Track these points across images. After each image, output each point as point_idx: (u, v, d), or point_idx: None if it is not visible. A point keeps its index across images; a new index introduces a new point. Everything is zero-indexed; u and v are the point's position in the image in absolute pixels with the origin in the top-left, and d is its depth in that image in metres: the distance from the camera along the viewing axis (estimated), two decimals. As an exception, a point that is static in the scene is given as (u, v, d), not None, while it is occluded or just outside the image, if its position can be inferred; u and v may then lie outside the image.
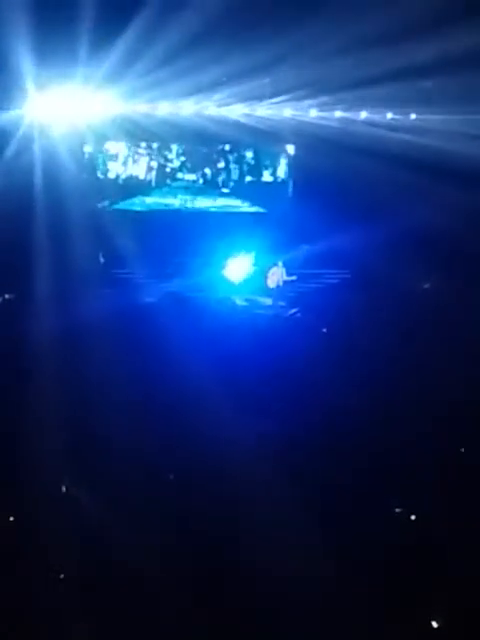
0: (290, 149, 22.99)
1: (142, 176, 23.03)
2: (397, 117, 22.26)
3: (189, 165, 23.23)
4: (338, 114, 22.31)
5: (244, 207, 23.06)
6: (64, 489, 12.00)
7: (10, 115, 20.25)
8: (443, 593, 10.02)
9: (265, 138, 22.59)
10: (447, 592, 10.01)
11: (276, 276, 20.90)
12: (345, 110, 22.17)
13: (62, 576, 10.34)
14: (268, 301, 20.65)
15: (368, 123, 22.21)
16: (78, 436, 12.79)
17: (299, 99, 21.64)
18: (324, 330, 17.70)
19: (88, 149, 22.41)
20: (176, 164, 23.14)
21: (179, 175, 23.21)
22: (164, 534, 10.84)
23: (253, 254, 21.00)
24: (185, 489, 11.82)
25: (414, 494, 11.65)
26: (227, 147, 23.15)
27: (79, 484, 11.95)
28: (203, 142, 22.78)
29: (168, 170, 23.15)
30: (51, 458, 12.26)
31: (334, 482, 11.83)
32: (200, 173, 23.23)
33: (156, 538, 10.75)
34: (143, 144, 22.99)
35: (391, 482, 11.89)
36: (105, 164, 22.79)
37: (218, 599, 9.86)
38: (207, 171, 23.24)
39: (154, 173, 23.06)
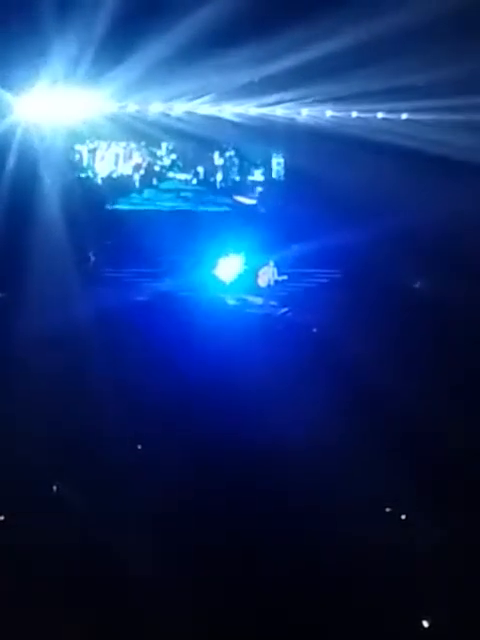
0: (281, 148, 22.98)
1: (133, 175, 23.00)
2: (389, 116, 22.26)
3: (180, 164, 23.19)
4: (329, 113, 22.31)
5: (235, 206, 23.03)
6: (55, 488, 11.99)
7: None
8: (442, 593, 10.02)
9: (256, 137, 22.57)
10: (446, 592, 10.00)
11: (267, 275, 20.90)
12: (336, 109, 22.17)
13: (55, 575, 10.32)
14: (259, 300, 20.63)
15: (360, 122, 22.21)
16: (70, 436, 12.78)
17: (290, 98, 21.61)
18: (314, 330, 17.71)
19: (79, 148, 22.37)
20: (167, 163, 23.12)
21: (170, 174, 23.17)
22: (160, 533, 10.83)
23: (244, 253, 20.99)
24: (179, 487, 11.80)
25: (410, 493, 11.65)
26: (218, 146, 23.12)
27: (70, 483, 11.93)
28: (194, 141, 22.74)
29: (159, 169, 23.12)
30: (42, 457, 12.24)
31: (327, 480, 11.83)
32: (191, 172, 23.19)
33: (151, 537, 10.75)
34: (134, 143, 22.95)
35: (385, 480, 11.88)
36: (96, 163, 22.75)
37: (216, 599, 9.84)
38: (198, 170, 23.20)
39: (145, 172, 23.03)
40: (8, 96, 20.00)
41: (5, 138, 20.01)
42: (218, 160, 23.16)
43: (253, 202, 22.94)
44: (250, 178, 23.28)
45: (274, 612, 9.66)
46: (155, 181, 23.07)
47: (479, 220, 19.03)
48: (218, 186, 23.14)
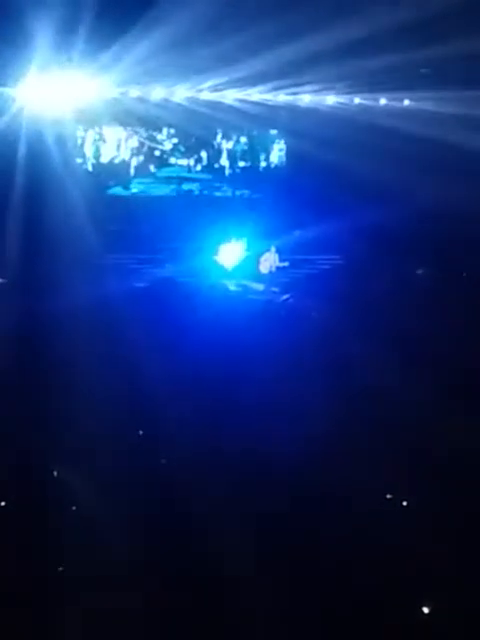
0: (283, 134, 22.96)
1: (135, 161, 22.98)
2: (391, 103, 22.23)
3: (182, 150, 23.19)
4: (332, 99, 22.28)
5: (237, 192, 23.02)
6: (55, 474, 11.99)
7: (1, 99, 20.18)
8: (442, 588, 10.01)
9: (258, 123, 22.55)
10: (445, 586, 10.00)
11: (269, 262, 20.89)
12: (339, 95, 22.14)
13: (54, 564, 10.32)
14: (260, 287, 20.63)
15: (362, 109, 22.19)
16: (70, 421, 12.77)
17: (293, 84, 21.58)
18: (315, 316, 17.68)
19: (81, 134, 22.35)
20: (169, 149, 23.10)
21: (172, 160, 23.17)
22: (157, 522, 10.84)
23: (246, 240, 20.98)
24: (179, 476, 11.80)
25: (411, 483, 11.64)
26: (220, 132, 23.10)
27: (70, 470, 11.94)
28: (196, 127, 22.71)
29: (161, 155, 23.11)
30: (42, 443, 12.26)
31: (330, 469, 11.84)
32: (193, 158, 23.20)
33: (149, 525, 10.76)
34: (136, 129, 22.93)
35: (387, 471, 11.87)
36: (98, 149, 22.73)
37: (216, 598, 9.83)
38: (200, 156, 23.20)
39: (147, 158, 23.01)
40: (8, 83, 20.00)
41: (5, 125, 19.99)
42: (220, 146, 23.14)
43: (255, 188, 22.92)
44: (252, 164, 23.28)
45: (272, 609, 9.65)
46: (157, 167, 23.09)
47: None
48: (220, 172, 23.13)
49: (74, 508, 11.07)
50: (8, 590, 9.70)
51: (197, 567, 10.16)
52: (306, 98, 22.13)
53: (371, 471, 11.71)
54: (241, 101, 21.94)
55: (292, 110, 22.15)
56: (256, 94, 21.92)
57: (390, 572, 10.10)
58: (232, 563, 10.07)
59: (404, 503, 11.53)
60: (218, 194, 22.96)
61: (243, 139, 23.27)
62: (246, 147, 23.31)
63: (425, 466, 11.87)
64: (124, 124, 22.63)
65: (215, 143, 23.18)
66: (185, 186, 22.94)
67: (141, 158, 23.00)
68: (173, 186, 22.94)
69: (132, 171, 22.95)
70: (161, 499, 11.30)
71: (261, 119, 22.17)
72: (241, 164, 23.24)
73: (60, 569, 10.10)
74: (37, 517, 10.83)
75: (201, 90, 21.68)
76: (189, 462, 11.99)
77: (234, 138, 23.23)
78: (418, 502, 11.40)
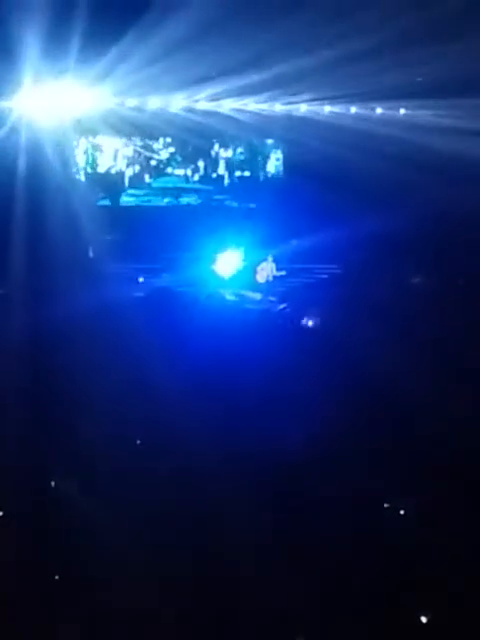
0: (280, 144, 22.98)
1: (132, 171, 23.00)
2: (387, 112, 22.26)
3: (179, 160, 23.21)
4: (328, 109, 22.31)
5: (234, 202, 23.03)
6: (53, 483, 11.98)
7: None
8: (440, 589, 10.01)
9: (255, 133, 22.58)
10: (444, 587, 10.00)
11: (266, 271, 20.91)
12: (335, 105, 22.17)
13: (52, 570, 10.31)
14: (258, 296, 20.63)
15: (358, 118, 22.21)
16: (68, 430, 12.77)
17: (289, 94, 21.61)
18: (313, 325, 17.69)
19: (77, 144, 22.36)
20: (166, 158, 23.12)
21: (169, 170, 23.19)
22: (157, 531, 10.83)
23: (243, 249, 20.99)
24: (177, 484, 11.80)
25: (410, 489, 11.64)
26: (217, 142, 23.12)
27: (70, 479, 11.93)
28: (193, 136, 22.74)
29: (158, 165, 23.13)
30: (41, 450, 12.25)
31: (327, 476, 11.83)
32: (190, 168, 23.21)
33: (149, 534, 10.75)
34: (133, 139, 22.95)
35: (386, 476, 11.87)
36: (95, 159, 22.75)
37: (212, 595, 9.82)
38: (197, 166, 23.21)
39: (144, 168, 23.03)
40: (10, 92, 20.01)
41: (1, 135, 20.00)
42: (217, 155, 23.17)
43: (252, 198, 22.93)
44: (249, 173, 23.30)
45: (271, 607, 9.64)
46: (154, 177, 23.10)
47: (478, 215, 19.03)
48: (217, 181, 23.15)
49: (75, 514, 11.06)
50: (8, 597, 9.70)
51: (199, 570, 10.17)
52: (303, 107, 22.16)
53: (371, 475, 11.73)
54: (238, 111, 21.97)
55: (289, 119, 22.17)
56: (253, 104, 21.95)
57: (390, 573, 10.12)
58: (234, 564, 10.09)
59: (403, 507, 11.53)
60: (215, 203, 22.97)
61: (240, 148, 23.30)
62: (243, 156, 23.34)
63: (426, 468, 11.87)
64: (121, 134, 22.64)
65: (212, 152, 23.21)
66: (182, 196, 22.96)
67: (137, 168, 23.02)
68: (170, 196, 22.95)
69: (128, 181, 22.96)
70: (161, 502, 11.30)
71: (258, 128, 22.20)
72: (238, 173, 23.26)
73: (60, 575, 10.10)
74: (37, 524, 10.84)
75: (198, 100, 21.71)
76: (188, 468, 11.99)
77: (231, 147, 23.26)
78: (419, 504, 11.41)
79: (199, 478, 11.77)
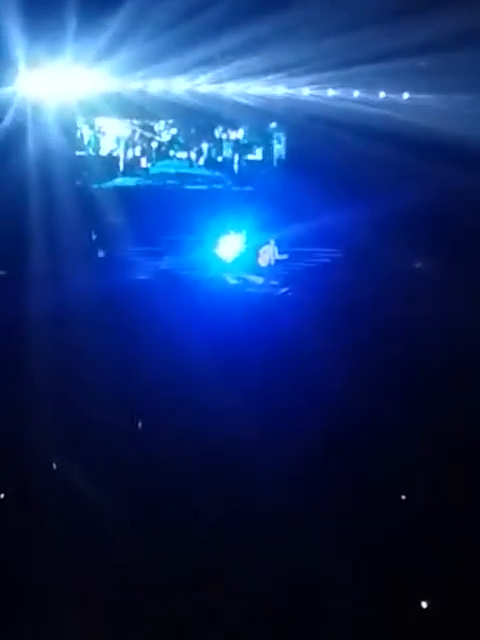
0: (282, 127, 22.95)
1: (134, 153, 22.98)
2: (390, 96, 22.22)
3: (181, 143, 23.18)
4: (331, 93, 22.26)
5: (236, 185, 23.00)
6: (55, 466, 12.01)
7: (0, 92, 20.17)
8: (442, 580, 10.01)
9: (257, 116, 22.54)
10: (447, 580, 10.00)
11: (268, 255, 20.88)
12: (337, 89, 22.13)
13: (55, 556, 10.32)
14: (260, 280, 20.61)
15: (360, 102, 22.17)
16: (69, 415, 12.80)
17: (292, 77, 21.56)
18: (314, 309, 17.69)
19: (80, 126, 22.33)
20: (168, 141, 23.09)
21: (171, 153, 23.16)
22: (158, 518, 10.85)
23: (245, 232, 20.96)
24: (178, 466, 11.81)
25: (413, 478, 11.66)
26: (219, 125, 23.08)
27: (70, 461, 11.95)
28: (195, 120, 22.71)
29: (160, 148, 23.10)
30: (42, 435, 12.28)
31: (331, 462, 11.85)
32: (192, 151, 23.18)
33: (149, 521, 10.77)
34: (135, 121, 22.92)
35: (389, 466, 11.88)
36: (97, 141, 22.72)
37: (215, 589, 9.83)
38: (200, 149, 23.19)
39: (146, 151, 23.00)
40: (12, 75, 19.98)
41: (2, 117, 19.98)
42: (219, 138, 23.13)
43: (254, 181, 22.91)
44: (251, 157, 23.27)
45: (272, 605, 9.64)
46: (156, 160, 23.07)
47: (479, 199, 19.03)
48: (219, 165, 23.12)
49: (73, 498, 11.08)
50: (7, 582, 9.73)
51: (198, 558, 10.19)
52: (305, 91, 22.11)
53: (372, 463, 11.75)
54: (240, 94, 21.93)
55: (291, 103, 22.13)
56: (255, 87, 21.91)
57: (391, 565, 10.14)
58: (233, 552, 10.12)
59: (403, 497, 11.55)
60: (217, 187, 22.94)
61: (242, 132, 23.26)
62: (245, 140, 23.30)
63: (427, 457, 11.90)
64: (123, 116, 22.61)
65: (215, 136, 23.18)
66: (184, 179, 22.93)
67: (142, 151, 22.99)
68: (172, 179, 22.92)
69: (129, 164, 22.94)
70: (160, 490, 11.32)
71: (261, 112, 22.16)
72: (240, 157, 23.22)
73: (59, 561, 10.11)
74: (36, 509, 10.86)
75: (200, 83, 21.66)
76: (188, 452, 12.02)
77: (233, 131, 23.22)
78: (417, 494, 11.44)
79: (198, 460, 11.79)
